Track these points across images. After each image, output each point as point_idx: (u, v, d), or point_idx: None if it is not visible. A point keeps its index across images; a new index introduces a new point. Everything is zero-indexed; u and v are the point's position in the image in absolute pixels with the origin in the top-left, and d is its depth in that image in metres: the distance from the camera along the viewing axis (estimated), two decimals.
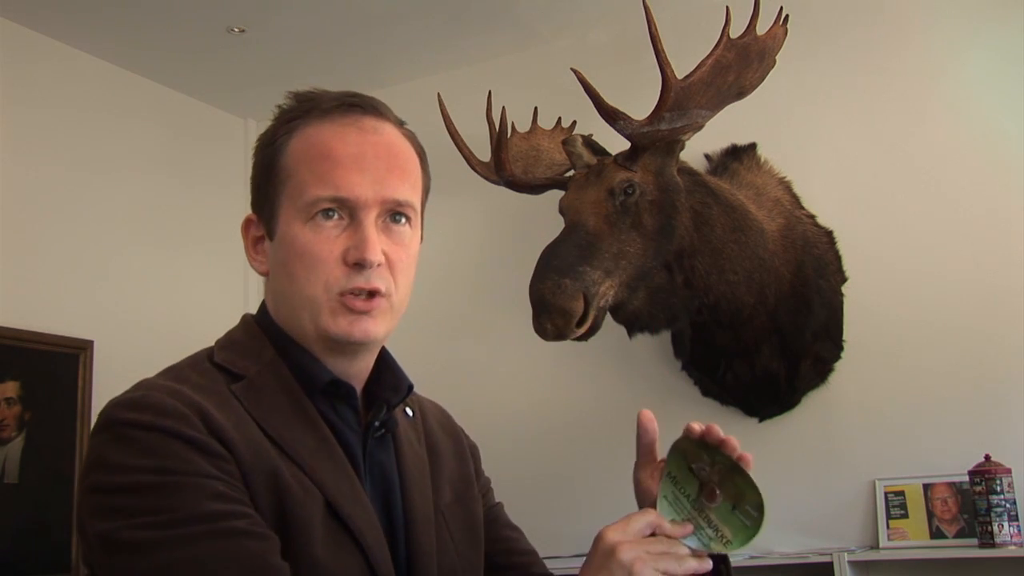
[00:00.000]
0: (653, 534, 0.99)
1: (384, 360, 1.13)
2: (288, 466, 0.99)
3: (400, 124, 1.12)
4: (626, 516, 0.99)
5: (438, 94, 2.79)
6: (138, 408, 0.96)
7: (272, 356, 1.07)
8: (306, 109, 1.08)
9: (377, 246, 1.03)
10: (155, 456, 0.93)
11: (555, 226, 2.38)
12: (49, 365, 2.88)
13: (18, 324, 2.83)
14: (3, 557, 2.67)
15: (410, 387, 1.14)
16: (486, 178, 2.75)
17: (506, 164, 2.62)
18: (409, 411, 1.20)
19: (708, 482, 1.04)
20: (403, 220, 1.07)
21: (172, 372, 1.05)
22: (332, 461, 1.03)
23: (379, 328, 1.05)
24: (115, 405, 0.98)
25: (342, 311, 1.03)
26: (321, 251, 1.03)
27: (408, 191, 1.08)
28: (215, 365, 1.05)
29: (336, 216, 1.04)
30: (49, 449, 2.80)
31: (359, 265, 1.02)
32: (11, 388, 2.79)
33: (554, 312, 2.16)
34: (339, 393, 1.07)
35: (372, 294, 1.03)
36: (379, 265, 1.03)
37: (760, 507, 1.02)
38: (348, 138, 1.06)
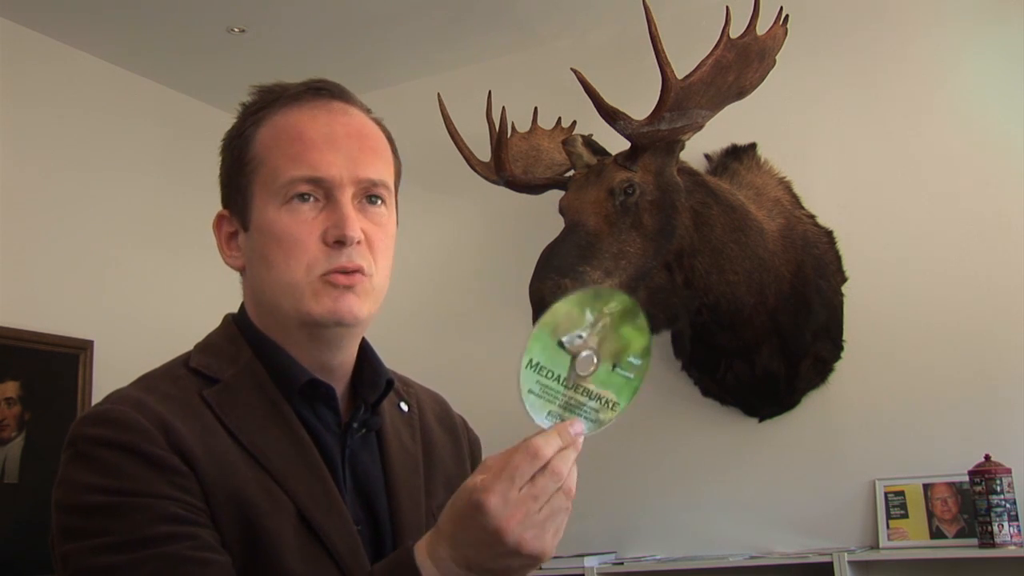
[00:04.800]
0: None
1: (364, 354, 1.11)
2: (258, 476, 0.98)
3: (368, 112, 1.12)
4: (502, 469, 0.85)
5: (438, 94, 2.80)
6: (99, 423, 0.96)
7: (249, 358, 1.05)
8: (272, 99, 1.07)
9: (356, 223, 1.02)
10: (109, 475, 0.92)
11: (555, 226, 2.38)
12: (49, 365, 2.88)
13: (18, 324, 2.83)
14: (3, 557, 2.67)
15: (389, 382, 1.12)
16: (486, 178, 2.75)
17: (506, 164, 2.62)
18: (404, 406, 1.17)
19: (583, 350, 0.91)
20: (379, 201, 1.06)
21: (144, 381, 1.04)
22: (307, 466, 1.01)
23: (363, 307, 1.03)
24: (80, 420, 0.98)
25: (325, 290, 1.01)
26: (299, 233, 1.01)
27: (382, 171, 1.07)
28: (191, 370, 1.04)
29: (312, 199, 1.02)
30: (49, 449, 2.80)
31: (339, 243, 1.01)
32: (11, 388, 2.79)
33: None
34: (317, 394, 1.05)
35: (353, 270, 1.02)
36: (359, 243, 1.02)
37: (645, 352, 0.94)
38: (318, 119, 1.05)
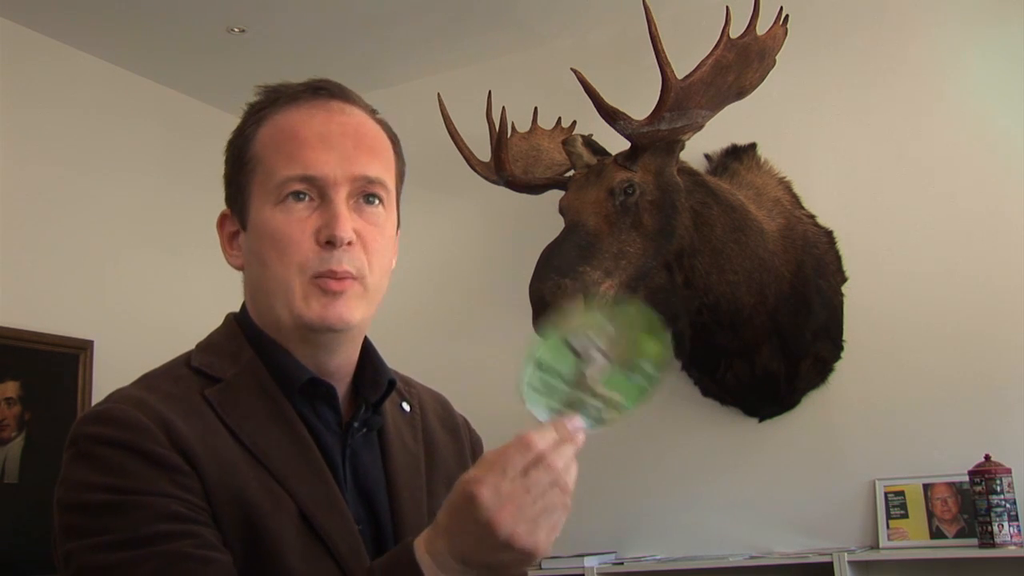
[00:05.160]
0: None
1: (367, 354, 1.11)
2: (259, 475, 0.98)
3: (372, 112, 1.11)
4: (494, 462, 0.84)
5: (438, 94, 2.80)
6: (101, 422, 0.96)
7: (250, 357, 1.05)
8: (274, 99, 1.08)
9: (348, 223, 1.01)
10: (111, 474, 0.92)
11: (555, 226, 2.38)
12: (49, 365, 2.88)
13: (18, 324, 2.83)
14: (3, 557, 2.67)
15: (391, 382, 1.11)
16: (486, 178, 2.75)
17: (506, 164, 2.62)
18: (406, 406, 1.17)
19: (592, 352, 0.88)
20: (376, 201, 1.06)
21: (145, 380, 1.04)
22: (308, 466, 1.01)
23: (354, 312, 1.02)
24: (82, 419, 0.98)
25: (315, 294, 1.01)
26: (292, 232, 1.01)
27: (379, 169, 1.06)
28: (192, 369, 1.04)
29: (307, 198, 1.02)
30: (49, 449, 2.80)
31: (330, 243, 1.00)
32: (11, 388, 2.79)
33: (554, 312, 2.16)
34: (318, 393, 1.05)
35: (344, 276, 1.01)
36: (350, 243, 1.02)
37: (660, 362, 0.90)
38: (315, 119, 1.05)
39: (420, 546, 0.88)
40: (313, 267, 1.01)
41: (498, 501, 0.83)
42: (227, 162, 1.10)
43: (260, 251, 1.04)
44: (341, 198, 1.02)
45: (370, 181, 1.05)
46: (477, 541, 0.85)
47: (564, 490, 0.86)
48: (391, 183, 1.09)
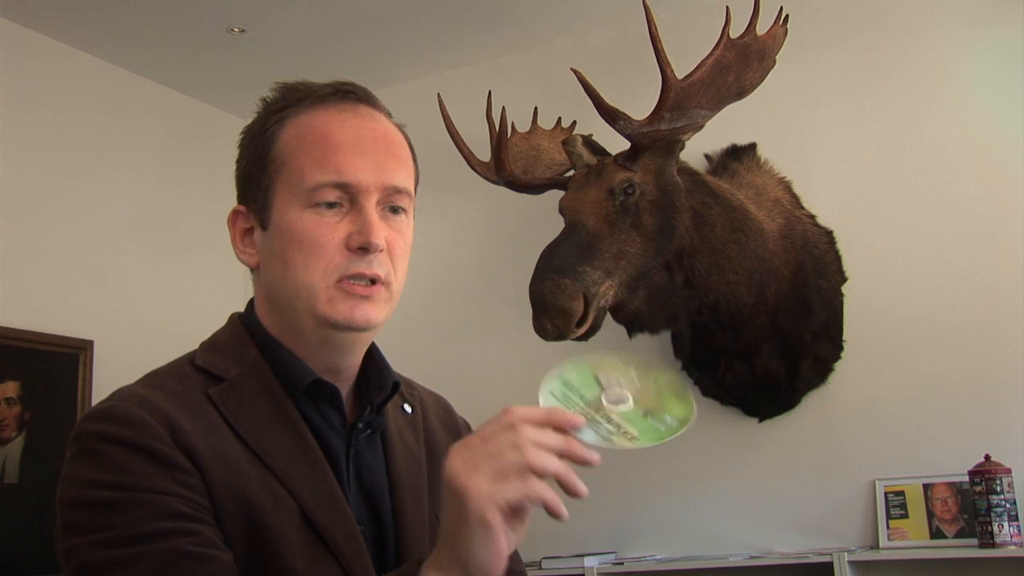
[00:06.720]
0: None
1: (372, 355, 1.12)
2: (262, 475, 0.98)
3: (389, 116, 1.12)
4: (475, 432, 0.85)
5: (438, 94, 2.80)
6: (105, 419, 0.96)
7: (255, 357, 1.06)
8: (297, 98, 1.08)
9: (381, 230, 1.03)
10: (114, 471, 0.93)
11: (555, 226, 2.38)
12: (49, 365, 2.88)
13: (18, 324, 2.83)
14: (3, 557, 2.67)
15: (396, 384, 1.12)
16: (486, 178, 2.75)
17: (506, 164, 2.62)
18: (408, 408, 1.18)
19: (618, 389, 0.88)
20: (400, 210, 1.07)
21: (150, 378, 1.04)
22: (310, 466, 1.01)
23: (379, 313, 1.04)
24: (86, 416, 0.99)
25: (341, 297, 1.01)
26: (322, 236, 1.01)
27: (405, 179, 1.07)
28: (197, 368, 1.04)
29: (337, 204, 1.03)
30: (49, 449, 2.80)
31: (363, 250, 1.01)
32: (11, 388, 2.79)
33: (554, 312, 2.16)
34: (322, 394, 1.06)
35: (373, 281, 1.02)
36: (381, 251, 1.03)
37: (684, 421, 0.90)
38: (346, 123, 1.05)
39: (428, 569, 0.86)
40: (340, 271, 1.01)
41: (462, 462, 0.83)
42: (244, 159, 1.09)
43: (284, 253, 1.03)
44: (372, 205, 1.03)
45: (398, 191, 1.06)
46: (457, 520, 0.82)
47: (523, 452, 0.82)
48: (413, 192, 1.10)
